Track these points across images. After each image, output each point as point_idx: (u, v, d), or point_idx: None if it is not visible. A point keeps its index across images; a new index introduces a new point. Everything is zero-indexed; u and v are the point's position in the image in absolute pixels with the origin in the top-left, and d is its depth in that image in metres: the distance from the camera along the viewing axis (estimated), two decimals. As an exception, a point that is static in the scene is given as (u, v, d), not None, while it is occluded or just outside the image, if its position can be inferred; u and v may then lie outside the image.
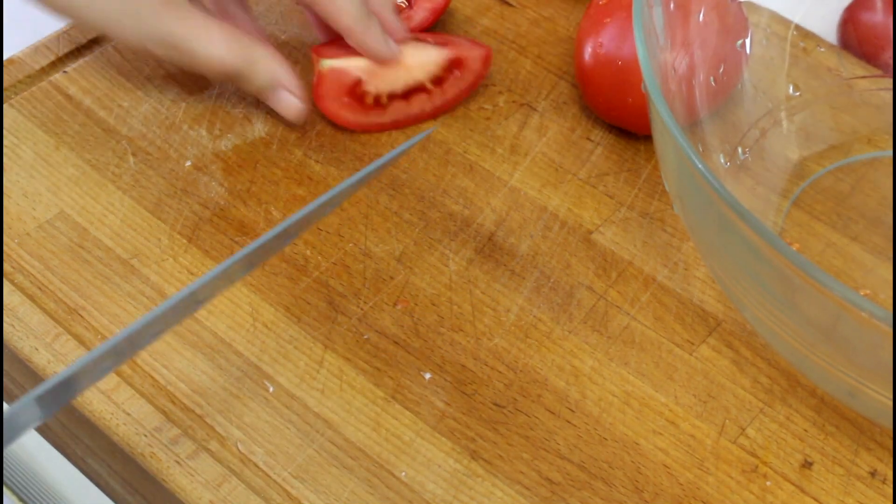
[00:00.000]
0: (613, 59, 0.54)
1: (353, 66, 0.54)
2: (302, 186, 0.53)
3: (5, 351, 0.48)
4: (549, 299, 0.50)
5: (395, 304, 0.49)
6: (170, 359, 0.47)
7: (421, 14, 0.58)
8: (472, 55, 0.56)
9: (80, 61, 0.57)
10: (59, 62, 0.57)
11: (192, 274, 0.49)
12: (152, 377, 0.46)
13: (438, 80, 0.55)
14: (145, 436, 0.45)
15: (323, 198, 0.45)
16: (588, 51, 0.54)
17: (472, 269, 0.50)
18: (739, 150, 0.54)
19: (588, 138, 0.56)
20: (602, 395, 0.47)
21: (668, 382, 0.47)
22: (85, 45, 0.58)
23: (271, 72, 0.53)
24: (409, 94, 0.55)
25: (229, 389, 0.46)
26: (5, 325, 0.48)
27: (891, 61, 0.58)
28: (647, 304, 0.50)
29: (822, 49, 0.58)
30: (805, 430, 0.46)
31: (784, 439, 0.46)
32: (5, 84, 0.56)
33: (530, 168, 0.54)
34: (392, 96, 0.55)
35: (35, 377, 0.47)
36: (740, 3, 0.55)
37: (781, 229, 0.52)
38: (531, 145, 0.55)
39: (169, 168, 0.53)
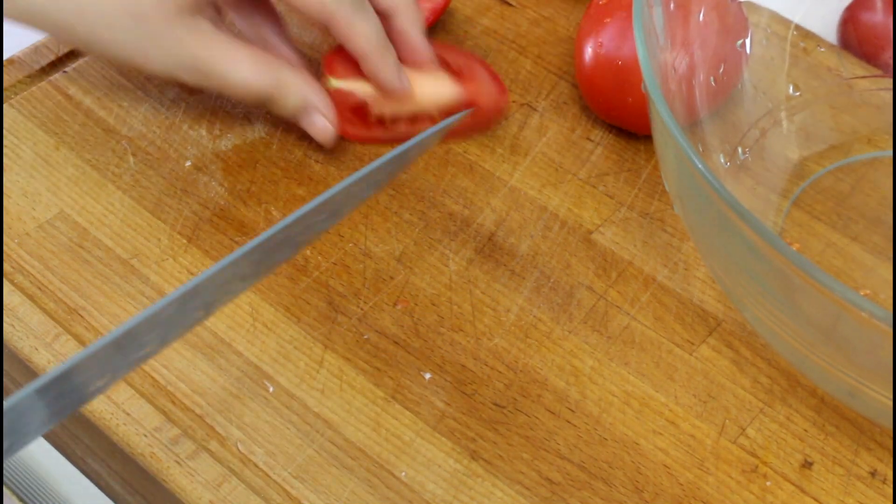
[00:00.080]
0: (613, 59, 0.54)
1: (359, 89, 0.53)
2: (302, 186, 0.53)
3: (5, 351, 0.48)
4: (549, 299, 0.50)
5: (395, 304, 0.49)
6: (170, 359, 0.47)
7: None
8: (487, 100, 0.54)
9: (80, 61, 0.57)
10: (59, 62, 0.57)
11: (191, 274, 0.49)
12: (152, 377, 0.46)
13: (447, 114, 0.53)
14: (145, 436, 0.45)
15: (364, 171, 0.44)
16: (588, 51, 0.54)
17: (472, 269, 0.50)
18: (739, 150, 0.54)
19: (588, 138, 0.56)
20: (602, 395, 0.47)
21: (668, 382, 0.47)
22: (85, 45, 0.58)
23: (301, 95, 0.52)
24: (415, 118, 0.54)
25: (229, 389, 0.46)
26: (5, 325, 0.48)
27: (891, 61, 0.58)
28: (647, 304, 0.50)
29: (822, 49, 0.58)
30: (805, 430, 0.46)
31: (784, 439, 0.46)
32: (5, 84, 0.56)
33: (530, 168, 0.54)
34: (397, 118, 0.54)
35: (35, 377, 0.47)
36: (740, 3, 0.55)
37: (781, 229, 0.52)
38: (531, 145, 0.55)
39: (169, 168, 0.53)
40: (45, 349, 0.47)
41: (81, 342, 0.47)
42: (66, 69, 0.57)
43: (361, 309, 0.49)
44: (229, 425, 0.45)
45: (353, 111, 0.53)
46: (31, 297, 0.49)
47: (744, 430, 0.46)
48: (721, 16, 0.53)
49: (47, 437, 0.57)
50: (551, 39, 0.60)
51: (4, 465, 0.67)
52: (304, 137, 0.54)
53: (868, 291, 0.50)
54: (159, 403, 0.46)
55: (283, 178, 0.53)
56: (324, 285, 0.49)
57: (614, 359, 0.48)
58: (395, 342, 0.48)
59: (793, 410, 0.47)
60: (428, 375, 0.47)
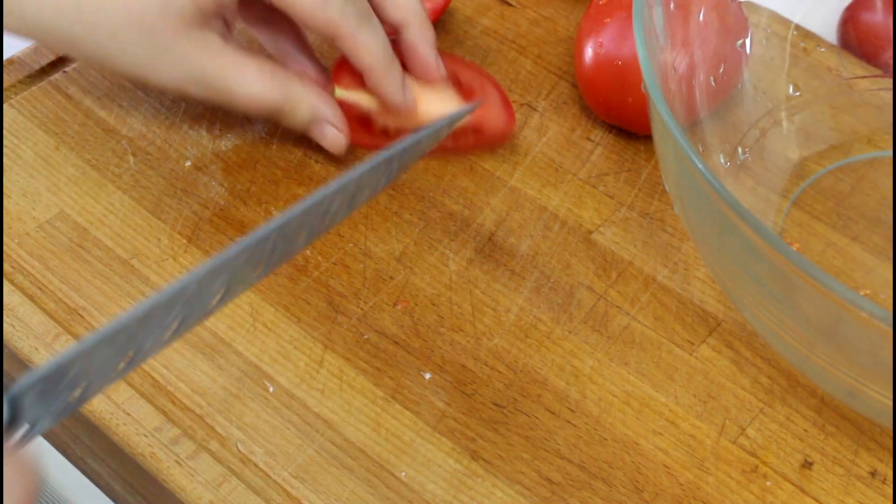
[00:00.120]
0: (613, 59, 0.54)
1: (364, 101, 0.53)
2: (302, 186, 0.53)
3: (5, 351, 0.48)
4: (549, 299, 0.50)
5: (395, 304, 0.49)
6: (170, 359, 0.47)
7: (421, 14, 0.58)
8: (493, 124, 0.53)
9: (81, 61, 0.57)
10: (59, 62, 0.57)
11: (192, 274, 0.49)
12: (152, 377, 0.46)
13: (451, 133, 0.52)
14: (145, 436, 0.45)
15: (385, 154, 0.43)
16: (588, 51, 0.54)
17: (472, 269, 0.50)
18: (739, 150, 0.54)
19: (588, 138, 0.56)
20: (602, 395, 0.47)
21: (668, 382, 0.47)
22: (85, 45, 0.58)
23: (312, 108, 0.51)
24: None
25: (229, 389, 0.46)
26: (5, 325, 0.48)
27: (891, 61, 0.58)
28: (647, 304, 0.50)
29: (822, 49, 0.58)
30: (805, 430, 0.46)
31: (784, 439, 0.46)
32: (5, 84, 0.56)
33: (530, 168, 0.54)
34: (402, 131, 0.53)
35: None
36: (740, 3, 0.55)
37: (781, 229, 0.52)
38: (531, 145, 0.55)
39: (169, 168, 0.53)
40: (45, 349, 0.47)
41: (81, 342, 0.47)
42: (66, 69, 0.57)
43: (361, 309, 0.49)
44: (229, 425, 0.45)
45: (357, 121, 0.53)
46: (31, 297, 0.49)
47: (744, 430, 0.46)
48: (721, 16, 0.53)
49: (47, 437, 0.57)
50: (551, 39, 0.60)
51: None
52: (304, 137, 0.54)
53: (868, 291, 0.50)
54: (159, 403, 0.46)
55: (283, 178, 0.53)
56: (324, 285, 0.49)
57: (614, 359, 0.48)
58: (395, 342, 0.48)
59: (793, 410, 0.47)
60: (428, 375, 0.47)
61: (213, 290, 0.39)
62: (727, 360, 0.48)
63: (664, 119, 0.39)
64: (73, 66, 0.57)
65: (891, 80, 0.57)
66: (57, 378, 0.35)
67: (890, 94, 0.57)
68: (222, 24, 0.50)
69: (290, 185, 0.53)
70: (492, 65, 0.58)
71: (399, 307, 0.49)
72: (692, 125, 0.51)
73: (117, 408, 0.45)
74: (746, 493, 0.44)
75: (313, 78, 0.54)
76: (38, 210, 0.51)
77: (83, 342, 0.35)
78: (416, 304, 0.49)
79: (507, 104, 0.54)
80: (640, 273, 0.51)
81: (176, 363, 0.47)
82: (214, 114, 0.55)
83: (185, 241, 0.51)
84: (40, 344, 0.47)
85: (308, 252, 0.50)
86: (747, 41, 0.55)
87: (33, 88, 0.56)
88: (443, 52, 0.54)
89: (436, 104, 0.53)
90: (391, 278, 0.50)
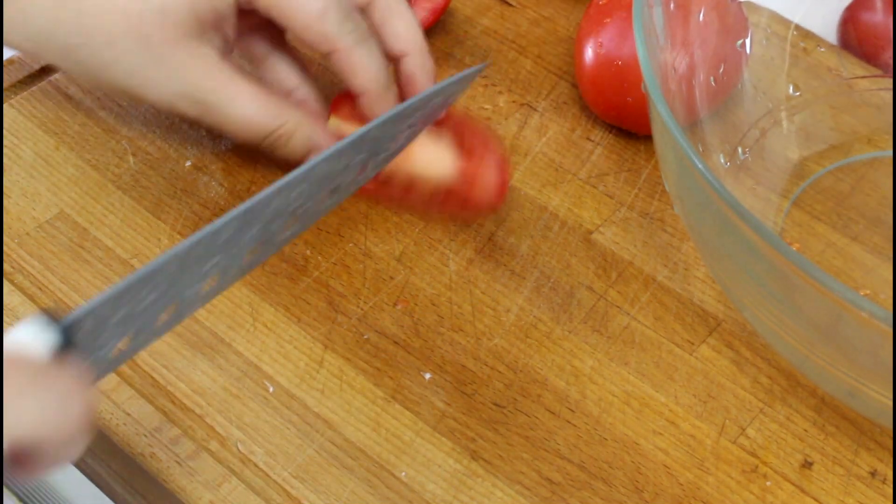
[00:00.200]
0: (613, 59, 0.54)
1: None
2: (302, 186, 0.53)
3: (5, 351, 0.48)
4: (549, 299, 0.50)
5: (395, 304, 0.49)
6: (170, 359, 0.47)
7: (421, 14, 0.58)
8: (481, 193, 0.50)
9: (78, 75, 0.57)
10: (59, 62, 0.57)
11: (192, 274, 0.49)
12: (152, 377, 0.46)
13: (435, 191, 0.50)
14: (145, 436, 0.45)
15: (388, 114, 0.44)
16: (588, 51, 0.54)
17: (472, 269, 0.50)
18: (739, 150, 0.54)
19: (588, 138, 0.56)
20: (602, 395, 0.47)
21: (668, 382, 0.47)
22: (85, 45, 0.58)
23: (308, 137, 0.50)
24: (408, 183, 0.51)
25: (229, 389, 0.46)
26: (5, 325, 0.48)
27: (891, 61, 0.58)
28: (647, 304, 0.50)
29: (822, 49, 0.58)
30: (805, 430, 0.46)
31: (784, 439, 0.46)
32: (5, 84, 0.56)
33: (530, 168, 0.54)
34: (392, 176, 0.51)
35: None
36: (740, 3, 0.55)
37: (781, 229, 0.52)
38: (531, 145, 0.55)
39: (169, 168, 0.53)
40: (45, 349, 0.47)
41: (81, 342, 0.47)
42: (66, 69, 0.57)
43: (361, 309, 0.49)
44: (229, 425, 0.45)
45: None
46: (31, 297, 0.49)
47: (744, 430, 0.46)
48: (721, 16, 0.53)
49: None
50: (551, 39, 0.60)
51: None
52: (304, 137, 0.54)
53: (868, 291, 0.50)
54: (159, 403, 0.46)
55: (283, 178, 0.53)
56: (324, 285, 0.49)
57: (614, 359, 0.48)
58: (395, 342, 0.48)
59: (793, 410, 0.47)
60: (428, 375, 0.47)
61: (247, 236, 0.39)
62: (727, 360, 0.48)
63: (664, 119, 0.40)
64: (73, 66, 0.57)
65: (891, 80, 0.57)
66: (105, 314, 0.36)
67: (890, 94, 0.57)
68: (221, 40, 0.49)
69: (290, 185, 0.53)
70: (492, 65, 0.58)
71: (399, 307, 0.49)
72: (692, 125, 0.51)
73: (117, 408, 0.45)
74: (746, 493, 0.44)
75: (310, 109, 0.52)
76: (38, 210, 0.51)
77: (127, 279, 0.36)
78: (416, 304, 0.49)
79: (503, 175, 0.51)
80: (640, 273, 0.51)
81: (176, 363, 0.47)
82: (214, 114, 0.55)
83: (185, 241, 0.51)
84: (40, 344, 0.47)
85: (308, 252, 0.50)
86: (747, 41, 0.55)
87: (33, 88, 0.56)
88: (456, 111, 0.52)
89: (426, 152, 0.51)
90: (391, 278, 0.50)
